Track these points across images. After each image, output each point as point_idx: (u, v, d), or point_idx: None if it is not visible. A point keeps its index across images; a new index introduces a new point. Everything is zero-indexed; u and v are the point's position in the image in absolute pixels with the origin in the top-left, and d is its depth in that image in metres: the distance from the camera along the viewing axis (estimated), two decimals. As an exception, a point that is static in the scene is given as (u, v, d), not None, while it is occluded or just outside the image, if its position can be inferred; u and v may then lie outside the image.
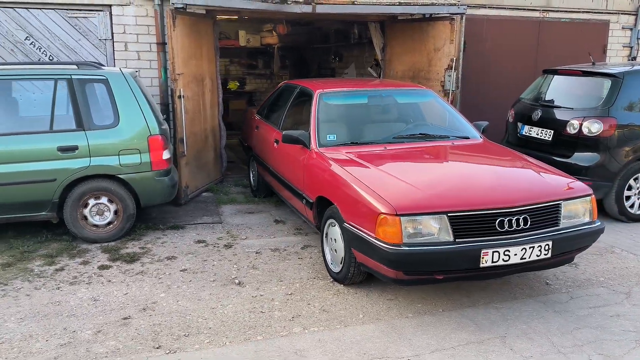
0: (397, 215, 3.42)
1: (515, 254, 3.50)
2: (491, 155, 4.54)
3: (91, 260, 4.59)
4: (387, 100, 5.31)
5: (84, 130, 4.84)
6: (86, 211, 4.95)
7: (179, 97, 6.01)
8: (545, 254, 3.58)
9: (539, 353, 3.25)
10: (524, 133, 6.50)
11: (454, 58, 6.94)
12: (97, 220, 4.99)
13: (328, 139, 4.65)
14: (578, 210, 3.83)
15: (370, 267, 3.72)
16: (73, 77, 4.91)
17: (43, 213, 4.86)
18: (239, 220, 5.76)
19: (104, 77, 4.98)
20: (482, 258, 3.44)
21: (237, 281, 4.21)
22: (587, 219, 3.85)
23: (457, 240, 3.46)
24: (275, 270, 4.44)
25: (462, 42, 7.08)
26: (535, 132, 6.32)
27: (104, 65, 5.27)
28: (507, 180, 3.98)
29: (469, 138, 4.90)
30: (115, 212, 5.03)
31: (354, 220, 3.77)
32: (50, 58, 6.47)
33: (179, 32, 5.97)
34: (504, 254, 3.48)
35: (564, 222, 3.73)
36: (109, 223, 5.04)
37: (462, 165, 4.33)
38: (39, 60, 6.41)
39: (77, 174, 4.81)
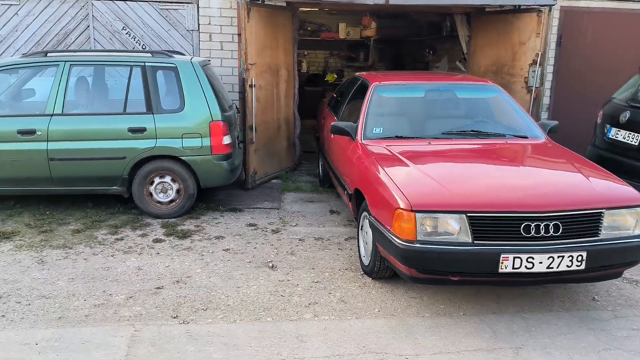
0: (412, 211, 3.34)
1: (541, 262, 3.27)
2: (542, 157, 4.26)
3: (149, 234, 4.98)
4: (446, 95, 5.15)
5: (152, 113, 5.24)
6: (151, 188, 5.36)
7: (250, 86, 6.27)
8: (578, 266, 3.32)
9: (550, 369, 3.04)
10: (610, 136, 5.96)
11: (540, 53, 6.51)
12: (161, 197, 5.39)
13: (374, 131, 4.63)
14: (626, 221, 3.49)
15: (390, 262, 3.68)
16: (146, 64, 5.32)
17: (115, 187, 5.34)
18: (297, 207, 5.90)
19: (173, 65, 5.34)
20: (502, 263, 3.27)
21: (270, 265, 4.36)
22: (636, 232, 3.49)
23: (475, 242, 3.31)
24: (312, 258, 4.53)
25: (550, 36, 6.62)
26: (622, 135, 5.78)
27: (175, 54, 5.64)
28: (545, 183, 3.71)
29: (527, 137, 4.62)
30: (178, 191, 5.39)
31: (378, 213, 3.74)
32: (143, 47, 7.03)
33: (253, 24, 6.21)
34: (527, 261, 3.27)
35: (605, 233, 3.42)
36: (171, 201, 5.42)
37: (502, 166, 4.10)
38: (133, 48, 7.00)
39: (144, 154, 5.22)
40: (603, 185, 3.68)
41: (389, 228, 3.51)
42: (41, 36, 6.93)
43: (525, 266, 3.28)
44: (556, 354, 3.19)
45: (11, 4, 6.83)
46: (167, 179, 5.37)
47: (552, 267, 3.30)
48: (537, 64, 6.55)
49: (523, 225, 3.30)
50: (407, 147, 4.36)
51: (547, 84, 7.71)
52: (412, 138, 4.53)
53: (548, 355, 3.17)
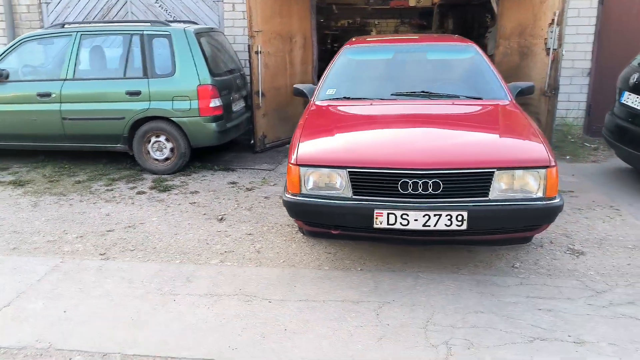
0: (297, 165, 3.47)
1: (416, 220, 3.25)
2: (477, 118, 4.09)
3: (137, 187, 5.53)
4: (415, 56, 5.03)
5: (147, 78, 5.75)
6: (149, 147, 5.90)
7: (256, 52, 6.54)
8: (458, 225, 3.23)
9: (399, 324, 3.04)
10: (623, 101, 5.43)
11: (558, 11, 6.03)
12: (157, 155, 5.92)
13: (327, 93, 4.70)
14: (526, 183, 3.31)
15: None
16: (144, 32, 5.82)
17: (119, 145, 5.96)
18: (289, 169, 6.13)
19: (168, 33, 5.78)
20: (376, 218, 3.29)
21: (220, 217, 4.68)
22: (539, 194, 3.30)
23: (354, 197, 3.36)
24: (264, 214, 4.77)
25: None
26: (632, 100, 5.25)
27: (171, 24, 6.06)
28: (444, 143, 3.59)
29: (481, 99, 4.43)
30: (172, 150, 5.88)
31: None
32: (174, 18, 7.58)
33: (260, -7, 6.45)
34: (402, 218, 3.26)
35: (498, 194, 3.28)
36: (167, 159, 5.92)
37: (420, 127, 3.99)
38: (165, 20, 7.56)
39: (140, 115, 5.76)
40: (509, 145, 3.51)
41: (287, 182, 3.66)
42: (89, 10, 7.75)
43: (400, 223, 3.27)
44: (420, 311, 3.18)
45: (63, -17, 7.70)
46: (162, 138, 5.87)
47: (429, 226, 3.25)
48: (555, 24, 6.08)
49: (401, 182, 3.29)
50: (347, 107, 4.40)
51: (587, 47, 7.08)
52: (360, 99, 4.54)
53: (410, 312, 3.17)
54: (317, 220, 3.50)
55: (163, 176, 5.84)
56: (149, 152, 5.92)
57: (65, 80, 5.85)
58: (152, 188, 5.47)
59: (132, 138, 5.91)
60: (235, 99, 6.28)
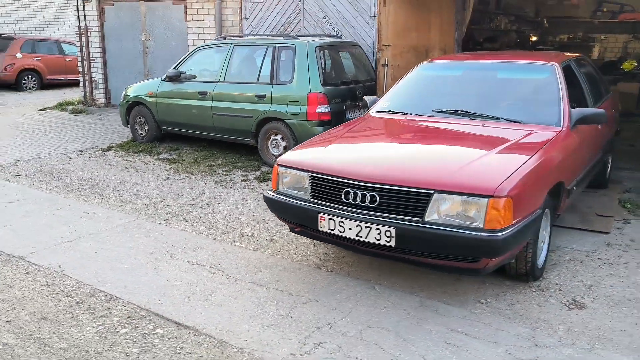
0: (277, 165, 3.91)
1: (350, 229, 3.41)
2: (482, 141, 3.88)
3: (247, 175, 6.49)
4: (484, 75, 4.83)
5: (272, 84, 6.66)
6: (269, 143, 6.82)
7: (383, 65, 6.91)
8: (387, 241, 3.29)
9: (300, 319, 3.26)
10: None
11: None
12: (274, 151, 6.80)
13: (380, 106, 4.90)
14: (466, 211, 3.17)
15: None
16: (277, 45, 6.74)
17: (248, 140, 7.02)
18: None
19: (293, 46, 6.60)
20: (320, 222, 3.55)
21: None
22: (479, 225, 3.12)
23: (311, 199, 3.66)
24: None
25: None
26: None
27: (300, 37, 6.81)
28: (406, 160, 3.64)
29: (520, 122, 4.11)
30: (284, 147, 6.69)
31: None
32: (336, 32, 8.37)
33: (392, 9, 6.81)
34: (339, 224, 3.46)
35: (436, 217, 3.21)
36: (280, 155, 6.75)
37: (420, 144, 3.99)
38: (329, 34, 8.41)
39: (263, 115, 6.71)
40: (463, 170, 3.32)
41: (281, 179, 4.12)
42: (274, 25, 9.07)
43: (338, 229, 3.47)
44: (333, 314, 3.33)
45: (258, 3, 9.17)
46: (278, 137, 6.72)
47: (361, 237, 3.37)
48: None
49: (344, 191, 3.46)
50: (380, 121, 4.58)
51: None
52: (402, 113, 4.63)
53: (324, 312, 3.34)
54: (285, 216, 3.88)
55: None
56: (268, 147, 6.84)
57: (217, 82, 7.15)
58: (256, 178, 6.36)
59: (257, 134, 6.90)
60: (350, 107, 6.76)
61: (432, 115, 4.44)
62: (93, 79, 11.77)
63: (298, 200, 3.72)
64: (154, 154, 7.53)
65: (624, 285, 3.73)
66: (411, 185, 3.27)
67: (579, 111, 4.15)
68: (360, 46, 7.61)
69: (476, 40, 9.89)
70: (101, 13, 11.33)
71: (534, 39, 12.14)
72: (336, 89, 6.55)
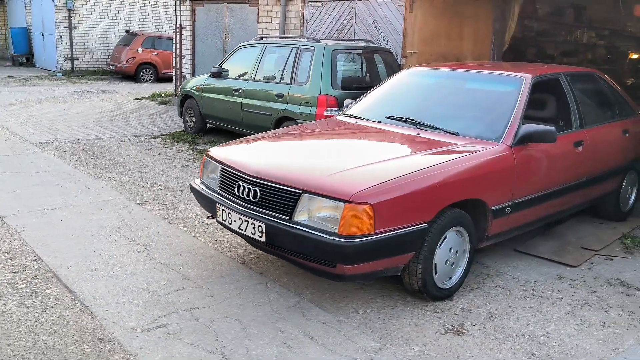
0: (205, 155, 4.11)
1: (235, 221, 3.51)
2: (407, 150, 3.77)
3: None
4: (455, 84, 4.60)
5: (291, 84, 6.84)
6: (284, 141, 7.00)
7: (406, 72, 6.76)
8: (259, 237, 3.36)
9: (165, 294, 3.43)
10: None
11: None
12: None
13: (350, 109, 4.88)
14: (329, 213, 3.12)
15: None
16: (300, 46, 6.91)
17: (270, 137, 7.26)
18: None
19: (312, 48, 6.72)
20: (217, 212, 3.68)
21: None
22: (335, 229, 3.06)
23: (218, 190, 3.81)
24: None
25: None
26: None
27: (321, 40, 6.88)
28: (304, 160, 3.69)
29: (457, 135, 3.89)
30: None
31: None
32: (383, 37, 8.32)
33: (419, 14, 6.69)
34: (228, 216, 3.57)
35: (305, 218, 3.20)
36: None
37: (333, 146, 3.96)
38: (377, 40, 8.38)
39: (280, 114, 6.91)
40: (333, 174, 3.27)
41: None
42: (330, 29, 9.22)
43: (227, 221, 3.58)
44: (207, 300, 3.43)
45: (318, 7, 9.38)
46: (292, 136, 6.88)
47: (242, 230, 3.45)
48: None
49: (237, 184, 3.56)
50: (336, 121, 4.59)
51: None
52: (359, 117, 4.57)
53: (200, 300, 3.46)
54: (201, 205, 4.06)
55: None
56: (284, 146, 7.02)
57: (248, 80, 7.48)
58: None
59: (276, 132, 7.11)
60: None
61: (380, 122, 4.35)
62: (183, 74, 12.76)
63: (208, 189, 3.89)
64: (192, 144, 8.07)
65: (532, 320, 3.38)
66: (283, 183, 3.29)
67: (525, 128, 3.81)
68: (391, 52, 7.50)
69: (546, 53, 9.19)
70: (193, 13, 12.26)
71: (634, 56, 10.95)
72: (351, 92, 6.54)
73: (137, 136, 8.57)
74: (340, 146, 4.05)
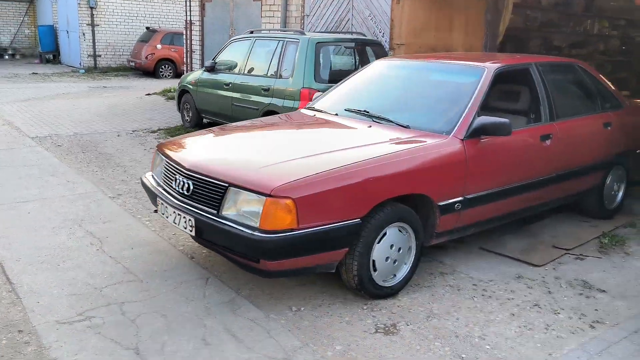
0: (155, 148, 4.08)
1: (170, 215, 3.47)
2: (351, 142, 3.65)
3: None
4: (419, 76, 4.44)
5: (276, 78, 6.76)
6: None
7: (393, 64, 6.60)
8: (190, 231, 3.31)
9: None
10: None
11: None
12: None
13: (313, 102, 4.79)
14: (252, 208, 3.04)
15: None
16: (286, 40, 6.82)
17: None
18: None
19: (297, 41, 6.62)
20: (158, 205, 3.65)
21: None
22: (256, 223, 2.98)
23: (162, 183, 3.77)
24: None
25: None
26: None
27: (307, 33, 6.77)
28: (237, 154, 3.59)
29: (408, 127, 3.75)
30: (282, 142, 6.76)
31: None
32: (379, 28, 8.15)
33: (406, 6, 6.52)
34: (165, 209, 3.53)
35: (231, 212, 3.13)
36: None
37: (276, 140, 3.89)
38: (374, 32, 8.23)
39: (265, 108, 6.83)
40: (261, 167, 3.19)
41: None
42: (329, 22, 9.10)
43: (165, 214, 3.54)
44: (142, 294, 3.41)
45: (317, 0, 9.28)
46: (277, 130, 6.80)
47: (176, 223, 3.41)
48: None
49: (175, 177, 3.52)
50: (291, 115, 4.51)
51: None
52: (318, 110, 4.47)
53: (135, 294, 3.43)
54: (150, 199, 4.03)
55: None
56: (270, 140, 6.95)
57: (238, 74, 7.44)
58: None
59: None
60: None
61: (337, 115, 4.24)
62: (193, 69, 12.84)
63: (151, 180, 3.87)
64: (185, 138, 8.08)
65: (472, 321, 3.23)
66: (211, 177, 3.23)
67: (479, 120, 3.64)
68: (382, 44, 7.33)
69: (552, 45, 8.83)
70: (202, 8, 12.31)
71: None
72: (325, 86, 6.42)
73: (135, 131, 8.64)
74: (285, 140, 3.96)
